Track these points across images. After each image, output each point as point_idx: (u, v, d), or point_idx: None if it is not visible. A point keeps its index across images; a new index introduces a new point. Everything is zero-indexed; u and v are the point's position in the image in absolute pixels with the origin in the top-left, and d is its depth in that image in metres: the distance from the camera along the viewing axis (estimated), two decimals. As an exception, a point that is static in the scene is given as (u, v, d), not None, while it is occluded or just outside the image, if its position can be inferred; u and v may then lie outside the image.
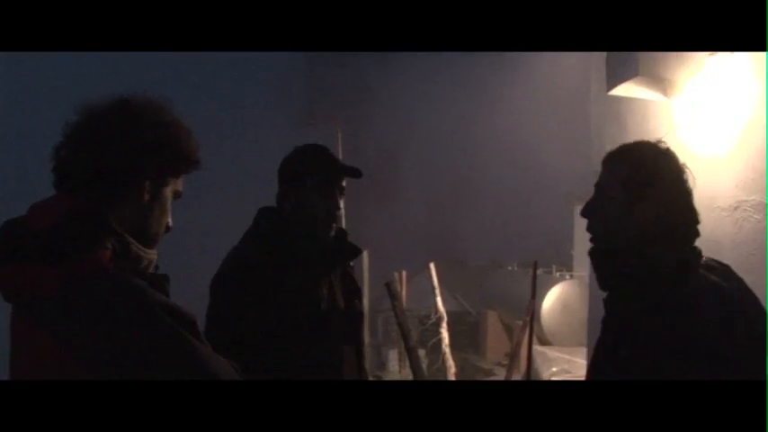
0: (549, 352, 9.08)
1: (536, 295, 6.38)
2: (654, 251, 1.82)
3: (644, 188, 1.84)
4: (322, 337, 2.40)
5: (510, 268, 16.15)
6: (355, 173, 2.53)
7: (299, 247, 2.43)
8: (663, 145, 1.92)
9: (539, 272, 13.88)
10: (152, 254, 1.52)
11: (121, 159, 1.45)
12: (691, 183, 1.88)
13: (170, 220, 1.59)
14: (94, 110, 1.48)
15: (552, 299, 11.34)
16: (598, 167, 5.17)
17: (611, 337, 1.97)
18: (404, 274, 10.22)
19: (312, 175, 2.47)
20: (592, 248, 1.97)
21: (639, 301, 1.82)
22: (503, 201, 18.13)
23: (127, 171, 1.46)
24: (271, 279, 2.34)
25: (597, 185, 1.97)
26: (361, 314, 2.63)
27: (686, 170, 1.88)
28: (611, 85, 3.81)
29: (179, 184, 1.59)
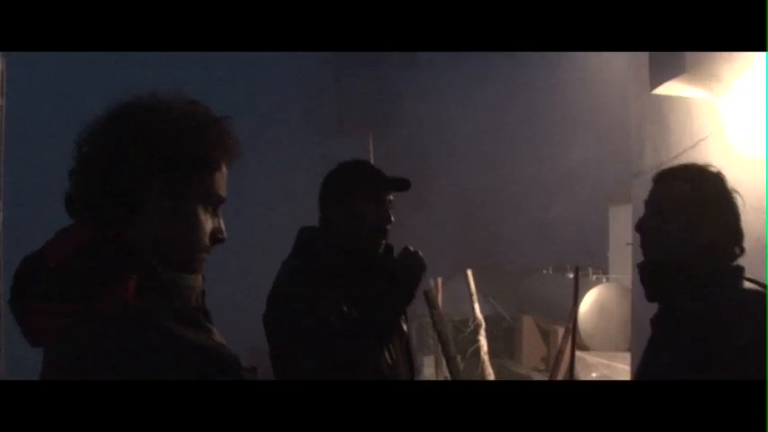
0: (589, 357, 8.95)
1: (573, 299, 6.27)
2: (705, 266, 1.92)
3: (703, 208, 1.94)
4: (382, 357, 2.34)
5: (545, 272, 16.01)
6: (404, 185, 2.46)
7: (355, 264, 2.37)
8: (714, 168, 2.02)
9: (573, 275, 13.76)
10: (192, 279, 1.31)
11: (125, 171, 1.25)
12: (740, 205, 1.98)
13: (221, 229, 1.35)
14: (97, 123, 1.30)
15: (589, 302, 11.17)
16: (638, 169, 5.10)
17: (656, 347, 2.09)
18: (439, 280, 10.12)
19: (362, 187, 2.40)
20: (643, 262, 2.04)
21: (688, 314, 1.91)
22: (536, 204, 17.99)
23: (132, 183, 1.25)
24: (333, 293, 2.27)
25: (651, 203, 2.05)
26: (407, 334, 2.55)
27: (736, 194, 1.98)
28: (656, 83, 3.72)
29: (211, 186, 1.33)
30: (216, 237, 1.34)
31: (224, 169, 1.34)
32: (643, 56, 4.25)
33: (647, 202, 2.07)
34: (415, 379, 2.58)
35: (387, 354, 2.36)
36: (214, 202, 1.34)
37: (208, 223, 1.33)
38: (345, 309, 2.24)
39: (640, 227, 2.05)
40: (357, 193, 2.39)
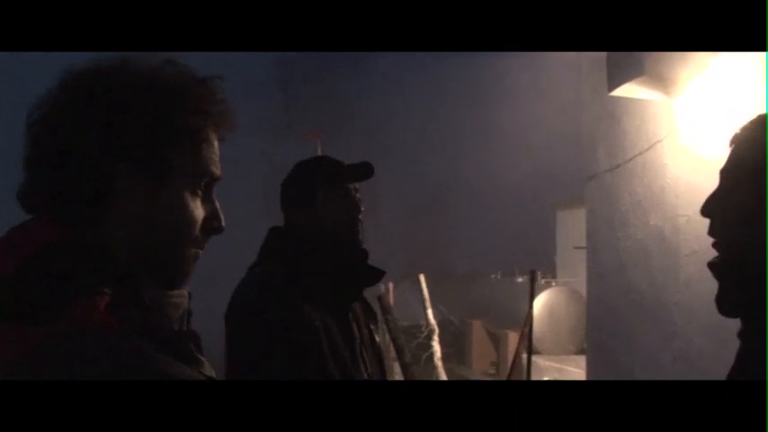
0: (540, 361, 8.98)
1: (528, 304, 6.26)
2: None
3: None
4: (356, 367, 2.24)
5: (493, 277, 16.12)
6: (366, 172, 2.33)
7: (327, 268, 2.25)
8: None
9: (521, 279, 13.92)
10: (177, 296, 1.03)
11: (83, 152, 0.97)
12: None
13: (219, 216, 1.08)
14: (48, 94, 1.02)
15: (539, 306, 11.24)
16: (592, 172, 5.11)
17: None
18: (390, 286, 10.07)
19: (323, 186, 2.29)
20: (713, 259, 1.41)
21: None
22: (483, 210, 18.12)
23: (95, 167, 0.97)
24: (304, 304, 2.15)
25: (722, 171, 1.43)
26: (379, 345, 2.45)
27: None
28: (613, 85, 3.71)
29: (201, 160, 1.05)
30: (211, 226, 1.07)
31: (214, 141, 1.08)
32: (598, 58, 4.25)
33: (720, 173, 1.44)
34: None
35: (362, 366, 2.26)
36: (205, 183, 1.06)
37: (198, 210, 1.05)
38: (318, 324, 2.13)
39: (705, 208, 1.43)
40: (318, 192, 2.28)
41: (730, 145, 1.43)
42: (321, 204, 2.26)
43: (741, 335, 1.39)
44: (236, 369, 2.12)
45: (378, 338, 2.42)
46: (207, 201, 1.08)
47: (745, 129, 1.41)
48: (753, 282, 1.30)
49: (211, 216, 1.08)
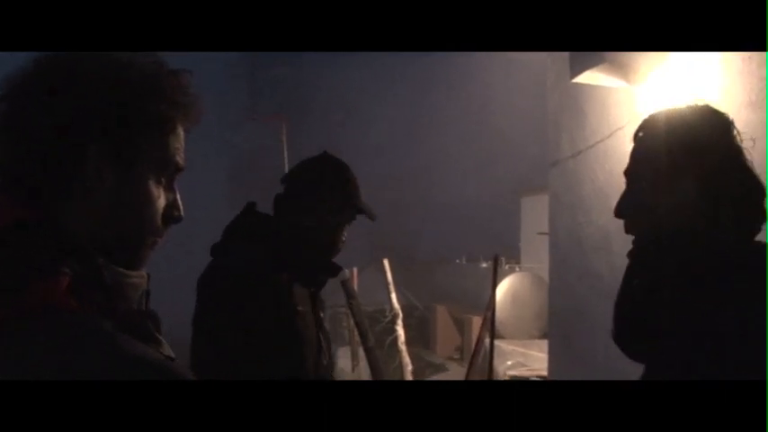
0: (504, 345, 9.07)
1: (491, 289, 6.32)
2: (706, 246, 1.44)
3: (683, 165, 1.44)
4: (311, 353, 2.27)
5: (458, 262, 16.22)
6: (371, 217, 2.42)
7: (308, 261, 2.28)
8: (703, 106, 1.51)
9: (486, 265, 14.04)
10: (137, 277, 1.04)
11: (53, 131, 0.97)
12: (747, 145, 1.47)
13: (178, 206, 1.10)
14: (20, 72, 1.02)
15: (503, 291, 11.35)
16: (555, 158, 5.15)
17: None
18: (354, 270, 10.10)
19: (341, 205, 2.31)
20: (632, 249, 1.55)
21: (692, 306, 1.44)
22: (448, 194, 18.17)
23: (64, 148, 0.97)
24: (275, 288, 2.17)
25: (626, 173, 1.57)
26: (327, 331, 2.50)
27: (734, 129, 1.48)
28: (575, 72, 3.76)
29: (165, 150, 1.06)
30: (171, 215, 1.08)
31: (180, 132, 1.08)
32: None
33: (624, 175, 1.58)
34: (332, 369, 2.52)
35: (325, 350, 2.29)
36: (169, 172, 1.07)
37: (161, 199, 1.06)
38: (300, 310, 2.18)
39: (618, 210, 1.56)
40: (330, 204, 2.29)
41: (633, 146, 1.57)
42: (328, 212, 2.27)
43: (655, 317, 1.54)
44: (213, 349, 2.13)
45: (326, 324, 2.47)
46: (169, 190, 1.08)
47: (640, 129, 1.56)
48: (664, 276, 1.50)
49: (172, 205, 1.08)
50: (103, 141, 0.99)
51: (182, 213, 1.10)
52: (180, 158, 1.08)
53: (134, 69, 1.03)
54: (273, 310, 2.11)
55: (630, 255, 1.56)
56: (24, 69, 1.01)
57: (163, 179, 1.06)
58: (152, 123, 1.03)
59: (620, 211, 1.56)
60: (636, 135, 1.57)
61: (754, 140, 1.50)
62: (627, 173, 1.57)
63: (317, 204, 2.26)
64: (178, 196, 1.10)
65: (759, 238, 1.50)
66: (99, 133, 0.99)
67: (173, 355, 1.01)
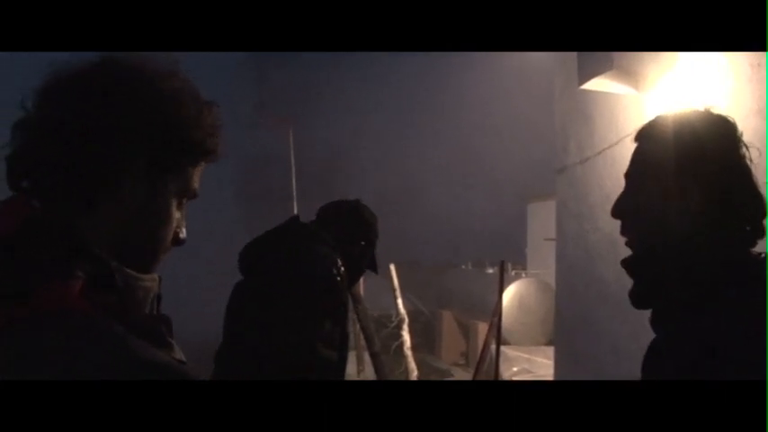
0: (509, 351, 9.05)
1: (497, 295, 6.31)
2: (705, 255, 1.40)
3: (687, 171, 1.40)
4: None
5: (464, 267, 16.19)
6: (374, 271, 2.46)
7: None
8: (710, 113, 1.47)
9: (492, 271, 14.01)
10: (148, 280, 1.04)
11: (95, 146, 0.98)
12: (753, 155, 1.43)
13: (183, 229, 1.12)
14: (73, 72, 1.02)
15: (509, 297, 11.33)
16: (562, 164, 5.14)
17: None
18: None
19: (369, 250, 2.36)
20: (627, 257, 1.50)
21: (687, 324, 1.39)
22: (454, 201, 18.16)
23: (105, 163, 0.99)
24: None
25: (627, 175, 1.53)
26: None
27: (739, 135, 1.44)
28: (583, 79, 3.74)
29: (191, 178, 1.09)
30: (177, 237, 1.12)
31: (203, 164, 1.13)
32: (570, 53, 4.27)
33: (624, 177, 1.53)
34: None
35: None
36: (187, 198, 1.11)
37: (176, 221, 1.10)
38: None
39: (615, 210, 1.53)
40: (367, 247, 2.33)
41: (634, 149, 1.52)
42: (359, 250, 2.31)
43: (653, 324, 1.50)
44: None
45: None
46: (180, 213, 1.12)
47: (643, 131, 1.51)
48: (662, 275, 1.44)
49: (179, 229, 1.12)
50: (147, 160, 1.02)
51: (185, 237, 1.13)
52: (197, 187, 1.12)
53: (186, 95, 1.05)
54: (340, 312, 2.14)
55: (624, 263, 1.51)
56: (81, 69, 1.03)
57: (180, 203, 1.10)
58: (191, 153, 1.07)
59: (616, 212, 1.53)
60: (636, 138, 1.54)
61: (759, 150, 1.46)
62: (626, 175, 1.55)
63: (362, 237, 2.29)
64: (184, 221, 1.14)
65: (758, 248, 1.47)
66: (144, 152, 1.01)
67: (184, 358, 1.03)
